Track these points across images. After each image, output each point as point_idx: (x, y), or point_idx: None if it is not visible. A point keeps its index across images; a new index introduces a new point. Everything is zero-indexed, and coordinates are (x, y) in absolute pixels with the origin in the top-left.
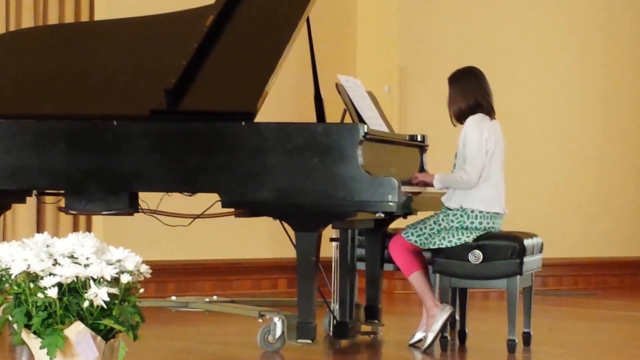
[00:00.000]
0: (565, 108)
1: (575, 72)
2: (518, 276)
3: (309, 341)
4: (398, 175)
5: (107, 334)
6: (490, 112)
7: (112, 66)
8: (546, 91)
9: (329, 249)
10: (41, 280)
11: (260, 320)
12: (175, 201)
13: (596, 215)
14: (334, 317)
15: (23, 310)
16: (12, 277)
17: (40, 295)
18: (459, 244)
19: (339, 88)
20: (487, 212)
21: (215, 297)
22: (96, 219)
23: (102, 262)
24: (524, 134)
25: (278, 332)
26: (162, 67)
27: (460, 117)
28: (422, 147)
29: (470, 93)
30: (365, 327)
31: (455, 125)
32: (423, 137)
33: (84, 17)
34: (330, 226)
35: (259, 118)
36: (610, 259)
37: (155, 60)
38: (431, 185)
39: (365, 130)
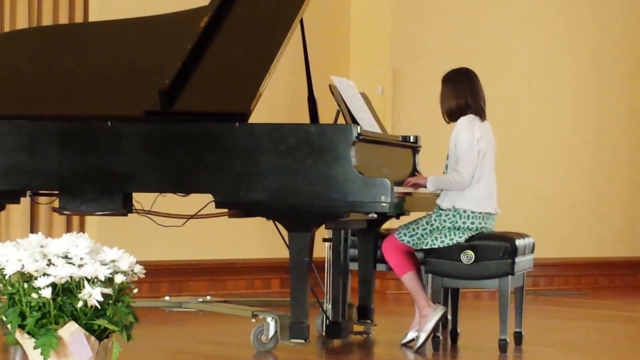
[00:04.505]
0: (556, 109)
1: (566, 75)
2: (510, 276)
3: (302, 341)
4: (391, 175)
5: (100, 334)
6: (480, 114)
7: (106, 67)
8: (538, 92)
9: (322, 249)
10: (35, 281)
11: (253, 320)
12: (169, 202)
13: (587, 216)
14: (327, 317)
15: (17, 311)
16: (6, 277)
17: (34, 295)
18: (451, 244)
19: (332, 89)
20: (480, 212)
21: (208, 297)
22: (90, 220)
23: (96, 263)
24: (515, 135)
25: (271, 332)
26: (156, 68)
27: (450, 116)
28: (414, 148)
29: (460, 93)
30: (357, 327)
31: (448, 122)
32: (416, 138)
33: (79, 19)
34: (323, 226)
35: (253, 119)
36: (601, 259)
37: (149, 61)
38: (424, 187)
39: (359, 131)
